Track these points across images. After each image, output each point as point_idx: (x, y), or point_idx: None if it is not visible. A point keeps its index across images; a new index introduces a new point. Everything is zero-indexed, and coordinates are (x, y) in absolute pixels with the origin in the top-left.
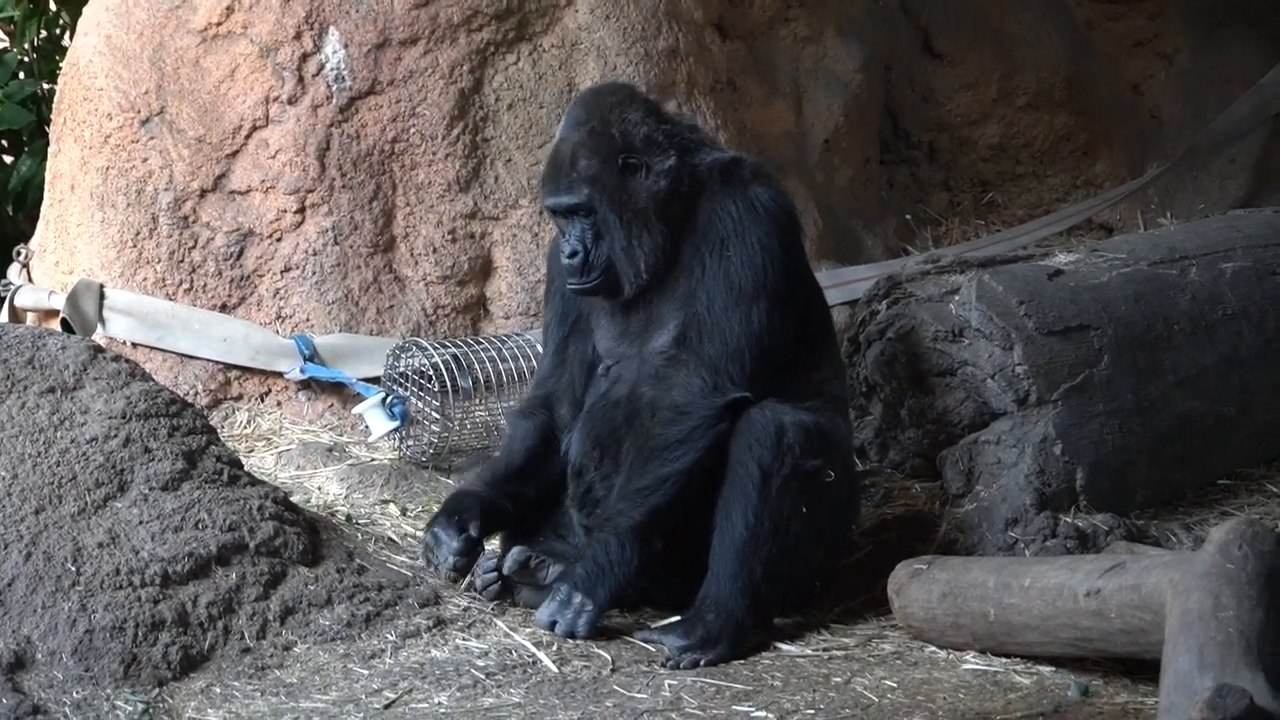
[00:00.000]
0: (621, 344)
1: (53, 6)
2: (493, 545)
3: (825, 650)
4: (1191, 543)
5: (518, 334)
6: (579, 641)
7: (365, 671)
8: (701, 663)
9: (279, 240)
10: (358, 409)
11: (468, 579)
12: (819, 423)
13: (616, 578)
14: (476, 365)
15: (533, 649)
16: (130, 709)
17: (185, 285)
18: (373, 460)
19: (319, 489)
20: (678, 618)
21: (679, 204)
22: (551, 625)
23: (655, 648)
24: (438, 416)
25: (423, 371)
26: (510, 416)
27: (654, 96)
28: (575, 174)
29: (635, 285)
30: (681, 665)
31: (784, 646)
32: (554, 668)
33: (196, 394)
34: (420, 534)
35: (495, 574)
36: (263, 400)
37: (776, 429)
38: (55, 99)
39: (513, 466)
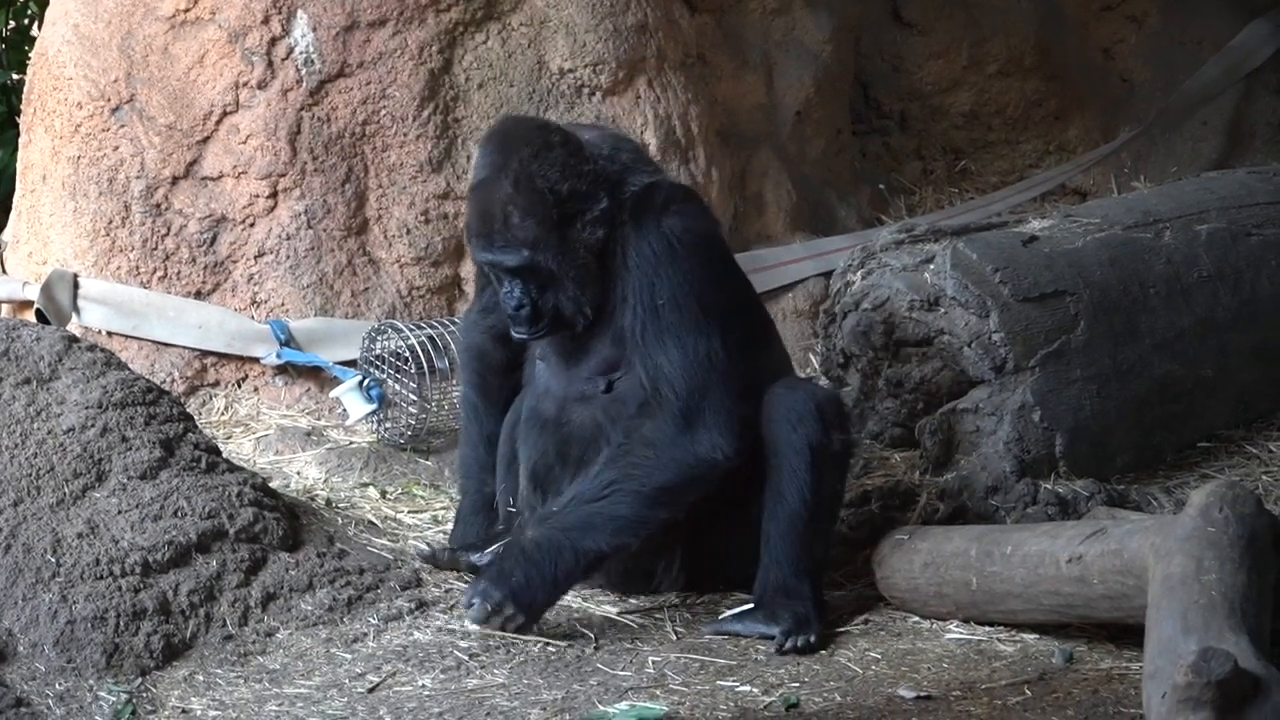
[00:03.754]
0: (549, 352)
1: None
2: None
3: None
4: (1172, 506)
5: None
6: (562, 620)
7: (348, 655)
8: (813, 641)
9: (252, 225)
10: (335, 392)
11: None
12: (840, 397)
13: (559, 591)
14: (453, 346)
15: None
16: (113, 699)
17: (159, 273)
18: (351, 443)
19: (298, 473)
20: (747, 605)
21: (610, 241)
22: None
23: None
24: (415, 398)
25: (399, 353)
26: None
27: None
28: (510, 234)
29: (584, 325)
30: (798, 648)
31: None
32: (537, 647)
33: (173, 381)
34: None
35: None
36: (240, 386)
37: (817, 406)
38: (25, 89)
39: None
